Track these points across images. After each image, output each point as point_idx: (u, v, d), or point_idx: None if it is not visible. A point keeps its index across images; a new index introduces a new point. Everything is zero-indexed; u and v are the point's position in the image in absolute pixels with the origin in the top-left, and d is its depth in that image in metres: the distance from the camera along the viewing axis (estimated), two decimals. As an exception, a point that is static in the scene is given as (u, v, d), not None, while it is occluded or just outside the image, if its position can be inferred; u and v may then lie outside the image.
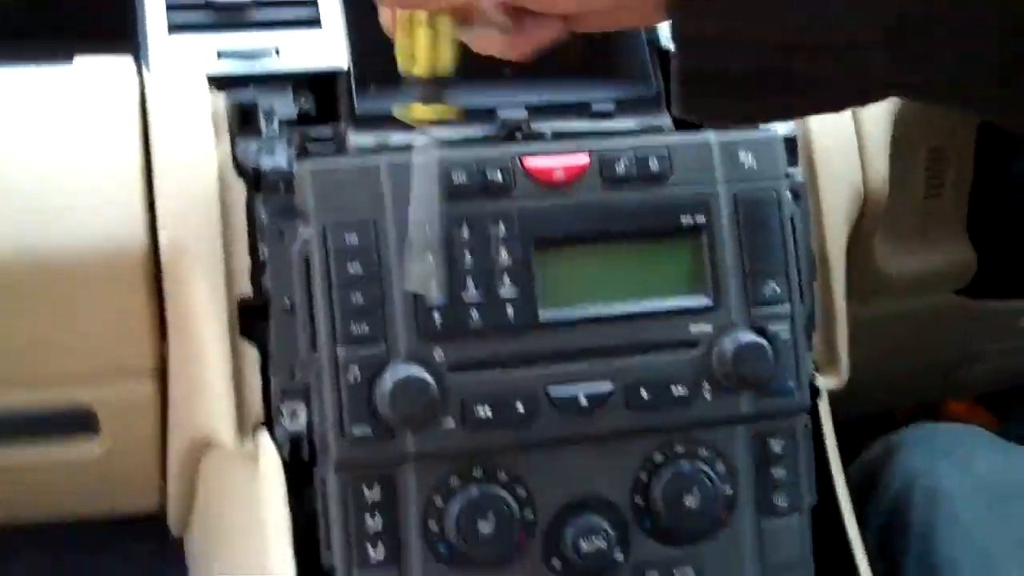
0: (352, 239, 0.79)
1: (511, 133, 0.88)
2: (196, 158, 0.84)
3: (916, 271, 1.13)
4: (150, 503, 1.13)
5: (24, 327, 0.89)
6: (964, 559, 0.94)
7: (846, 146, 0.97)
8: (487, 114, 0.88)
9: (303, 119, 0.87)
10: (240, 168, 0.85)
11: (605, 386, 0.82)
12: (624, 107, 0.92)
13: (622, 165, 0.84)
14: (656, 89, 0.93)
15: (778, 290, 0.86)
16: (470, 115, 0.87)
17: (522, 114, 0.88)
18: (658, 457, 0.85)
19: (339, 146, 0.85)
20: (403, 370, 0.78)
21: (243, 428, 0.86)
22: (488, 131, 0.88)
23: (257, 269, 0.85)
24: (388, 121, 0.85)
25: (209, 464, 0.99)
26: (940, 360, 1.33)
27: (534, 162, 0.83)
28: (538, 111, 0.89)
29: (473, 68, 0.87)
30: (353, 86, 0.88)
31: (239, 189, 0.85)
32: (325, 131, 0.84)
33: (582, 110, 0.91)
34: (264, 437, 0.85)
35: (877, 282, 1.10)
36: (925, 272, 1.14)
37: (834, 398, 0.96)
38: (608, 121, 0.91)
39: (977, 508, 0.95)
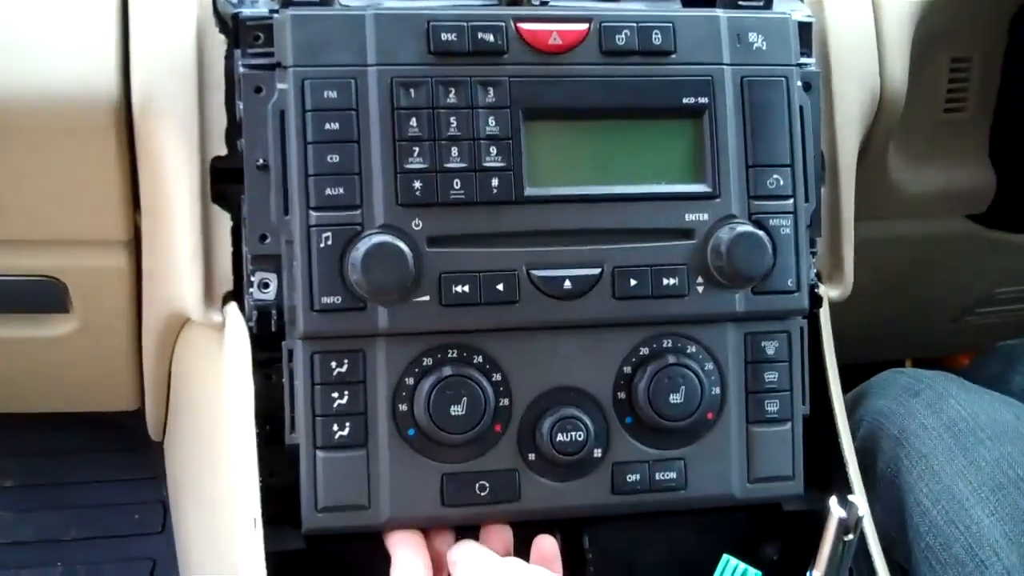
0: (331, 95, 0.76)
1: (510, 3, 0.83)
2: (174, 7, 0.81)
3: (930, 188, 1.08)
4: (127, 399, 1.11)
5: None
6: (931, 502, 0.90)
7: (864, 43, 0.93)
8: None
9: None
10: (220, 19, 0.82)
11: (592, 271, 0.79)
12: None
13: (623, 36, 0.80)
14: None
15: (782, 182, 0.82)
16: None
17: None
18: (644, 351, 0.81)
19: (327, 2, 0.81)
20: (378, 239, 0.75)
21: (211, 298, 0.83)
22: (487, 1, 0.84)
23: (233, 128, 0.81)
24: None
25: (182, 345, 0.96)
26: (950, 298, 1.28)
27: (529, 27, 0.79)
28: None
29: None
30: None
31: (218, 43, 0.82)
32: None
33: None
34: (233, 308, 0.82)
35: (889, 197, 1.05)
36: (940, 190, 1.09)
37: (837, 338, 0.92)
38: (616, 2, 0.87)
39: (945, 450, 0.92)
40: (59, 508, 1.45)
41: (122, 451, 1.46)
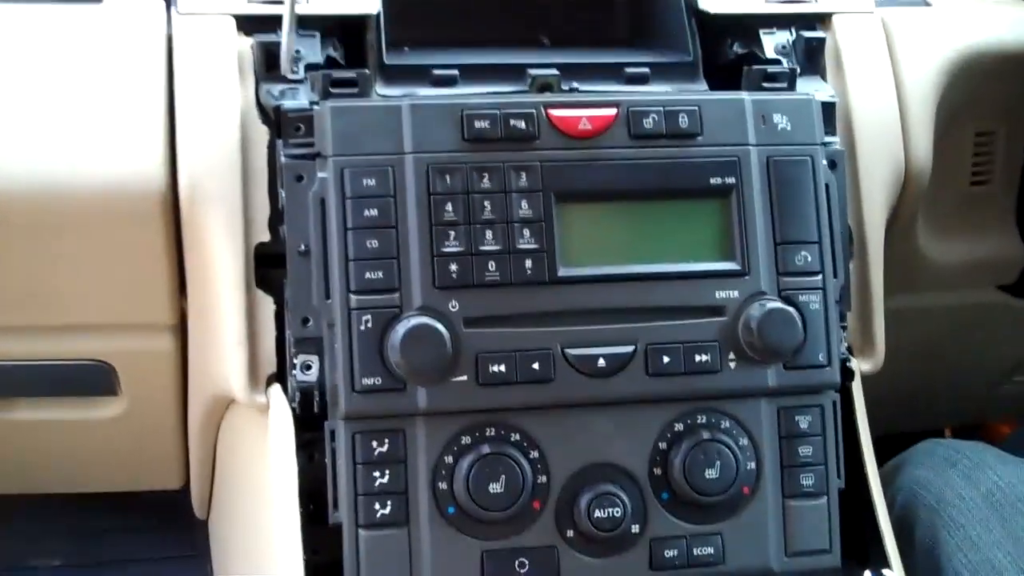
0: (370, 182, 0.78)
1: (540, 91, 0.86)
2: (220, 99, 0.84)
3: (959, 260, 1.09)
4: (173, 477, 1.13)
5: (41, 270, 0.88)
6: (970, 572, 0.90)
7: (888, 120, 0.94)
8: (517, 72, 0.87)
9: (331, 67, 0.86)
10: (263, 111, 0.84)
11: (625, 349, 0.80)
12: (660, 72, 0.90)
13: (650, 120, 0.81)
14: (693, 56, 0.91)
15: (810, 259, 0.83)
16: (500, 73, 0.86)
17: (553, 73, 0.86)
18: (679, 427, 0.82)
19: (364, 92, 0.83)
20: (416, 321, 0.76)
21: (256, 381, 0.84)
22: (517, 89, 0.86)
23: (276, 215, 0.83)
24: (416, 75, 0.85)
25: (227, 425, 0.98)
26: (984, 366, 1.27)
27: (560, 112, 0.81)
28: (569, 71, 0.87)
29: (510, 33, 0.87)
30: (383, 35, 0.87)
31: (261, 133, 0.84)
32: (351, 75, 0.83)
33: (615, 72, 0.89)
34: (276, 390, 0.84)
35: (918, 269, 1.06)
36: (969, 262, 1.10)
37: (875, 406, 0.92)
38: (643, 86, 0.89)
39: (983, 520, 0.92)
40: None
41: (168, 529, 1.47)
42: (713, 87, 0.91)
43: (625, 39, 0.96)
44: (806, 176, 0.84)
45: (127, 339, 0.94)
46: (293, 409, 0.82)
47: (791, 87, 0.88)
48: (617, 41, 0.96)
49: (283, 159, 0.81)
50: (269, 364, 0.84)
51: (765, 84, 0.88)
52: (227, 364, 0.84)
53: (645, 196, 0.82)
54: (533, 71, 0.86)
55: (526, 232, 0.79)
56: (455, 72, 0.86)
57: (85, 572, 1.48)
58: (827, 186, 0.85)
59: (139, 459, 1.11)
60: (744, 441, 0.82)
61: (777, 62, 0.92)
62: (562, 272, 0.80)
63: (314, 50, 0.86)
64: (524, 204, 0.79)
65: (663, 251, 0.82)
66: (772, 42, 0.93)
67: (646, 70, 0.89)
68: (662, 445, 0.81)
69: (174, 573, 1.47)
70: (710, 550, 0.81)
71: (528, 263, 0.79)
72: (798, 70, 0.90)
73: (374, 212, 0.78)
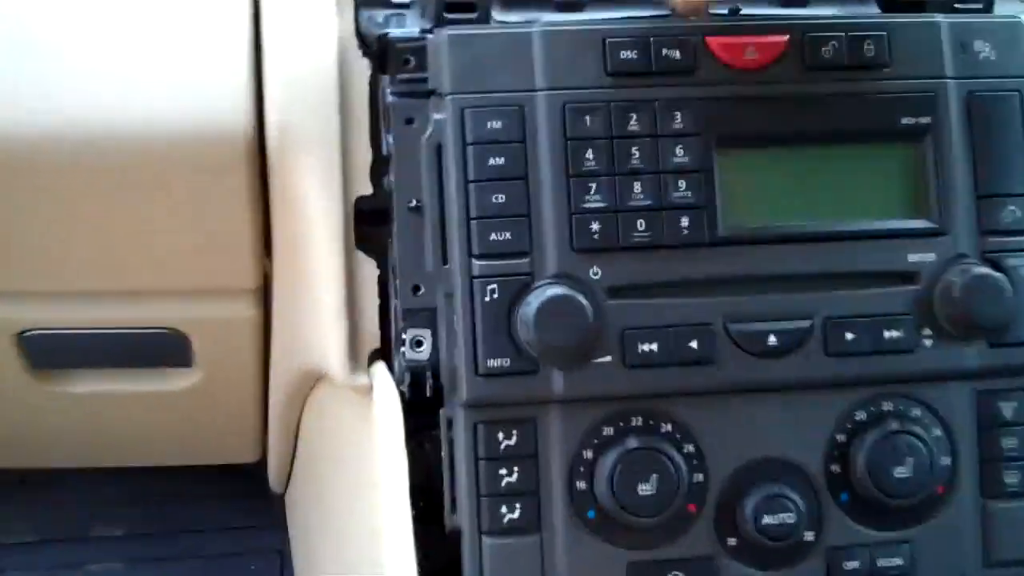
0: (495, 124, 0.68)
1: (688, 15, 0.75)
2: (313, 28, 0.74)
3: None
4: (248, 451, 1.06)
5: (108, 227, 0.79)
6: None
7: None
8: None
9: None
10: (364, 41, 0.75)
11: (801, 323, 0.70)
12: None
13: (830, 48, 0.71)
14: None
15: (1019, 214, 0.72)
16: None
17: None
18: (861, 416, 0.71)
19: (484, 19, 0.74)
20: (552, 291, 0.67)
21: (356, 358, 0.76)
22: (658, 13, 0.76)
23: (379, 164, 0.74)
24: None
25: (315, 402, 0.89)
26: None
27: (721, 41, 0.70)
28: None
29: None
30: None
31: (362, 67, 0.75)
32: None
33: None
34: (381, 369, 0.75)
35: None
36: None
37: None
38: (803, 9, 0.78)
39: None
40: (171, 559, 1.39)
41: (238, 499, 1.40)
42: (887, 9, 0.80)
43: None
44: (1014, 116, 0.73)
45: (203, 305, 0.86)
46: (401, 392, 0.73)
47: (987, 9, 0.77)
48: None
49: (390, 98, 0.72)
50: (372, 339, 0.76)
51: (957, 5, 0.77)
52: (322, 338, 0.76)
53: (822, 140, 0.71)
54: None
55: (682, 184, 0.69)
56: None
57: (148, 541, 1.41)
58: None
59: (213, 433, 1.04)
60: (937, 432, 0.72)
61: None
62: (724, 232, 0.69)
63: None
64: (679, 150, 0.69)
65: (844, 206, 0.71)
66: None
67: None
68: (841, 438, 0.71)
69: (244, 543, 1.40)
70: (898, 561, 0.71)
71: (684, 221, 0.69)
72: None
73: (501, 160, 0.68)
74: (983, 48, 0.73)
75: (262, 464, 1.07)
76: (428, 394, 0.72)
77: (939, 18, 0.73)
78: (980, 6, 0.77)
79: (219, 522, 1.41)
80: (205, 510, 1.41)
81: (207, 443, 1.08)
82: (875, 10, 0.80)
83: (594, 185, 0.68)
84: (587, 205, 0.68)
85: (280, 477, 1.07)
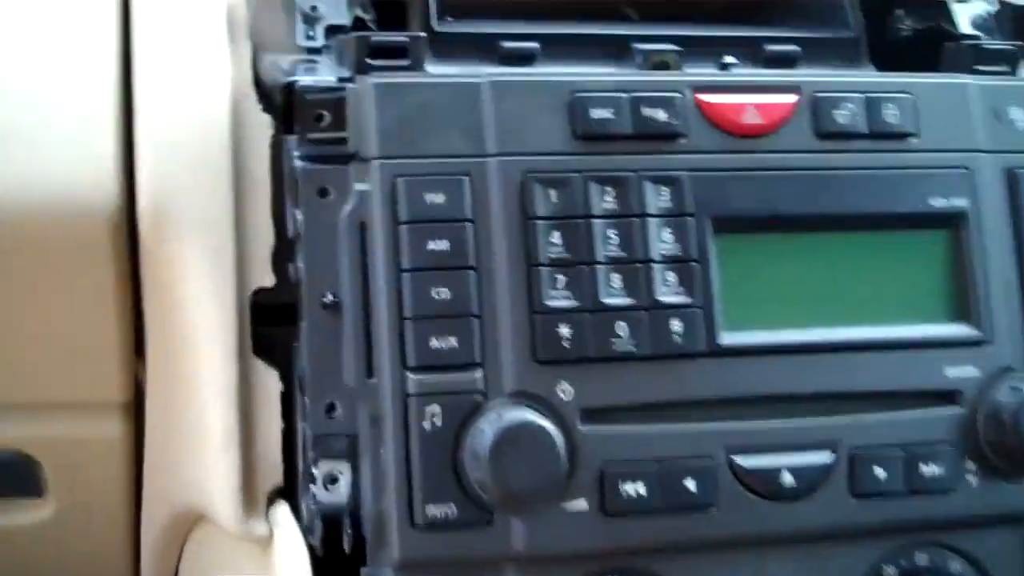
0: (436, 199, 0.59)
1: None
2: (198, 77, 0.65)
3: None
4: None
5: None
6: None
7: None
8: (617, 46, 0.68)
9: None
10: (265, 93, 0.65)
11: (821, 457, 0.60)
12: (812, 51, 0.71)
13: (846, 111, 0.62)
14: (855, 29, 0.73)
15: None
16: (593, 47, 0.68)
17: (670, 48, 0.67)
18: (890, 571, 0.62)
19: (416, 66, 0.63)
20: (510, 416, 0.57)
21: (251, 498, 0.65)
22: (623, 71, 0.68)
23: (283, 248, 0.64)
24: (480, 48, 0.67)
25: (196, 547, 0.76)
26: None
27: (715, 99, 0.61)
28: (688, 46, 0.68)
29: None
30: None
31: (262, 126, 0.65)
32: (400, 39, 0.62)
33: (749, 49, 0.70)
34: (283, 513, 0.64)
35: None
36: None
37: None
38: (790, 70, 0.70)
39: None
40: None
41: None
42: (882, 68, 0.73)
43: (752, 7, 0.78)
44: None
45: (57, 423, 0.74)
46: (310, 546, 0.60)
47: (1013, 71, 0.69)
48: (741, 9, 0.78)
49: (298, 163, 0.61)
50: (272, 473, 0.64)
51: (978, 67, 0.69)
52: (205, 470, 0.64)
53: (839, 225, 0.62)
54: (641, 45, 0.67)
55: (671, 277, 0.60)
56: (534, 45, 0.67)
57: None
58: None
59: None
60: None
61: (976, 38, 0.74)
62: (726, 339, 0.60)
63: (338, 8, 0.68)
64: (667, 235, 0.60)
65: (869, 307, 0.63)
66: (967, 12, 0.75)
67: (794, 47, 0.70)
68: None
69: None
70: None
71: (675, 325, 0.59)
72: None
73: (443, 244, 0.58)
74: (1019, 116, 0.65)
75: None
76: (347, 549, 0.60)
77: (967, 79, 0.65)
78: (1006, 68, 0.69)
79: None
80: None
81: None
82: (872, 71, 0.72)
83: (562, 277, 0.59)
84: (553, 303, 0.58)
85: None
